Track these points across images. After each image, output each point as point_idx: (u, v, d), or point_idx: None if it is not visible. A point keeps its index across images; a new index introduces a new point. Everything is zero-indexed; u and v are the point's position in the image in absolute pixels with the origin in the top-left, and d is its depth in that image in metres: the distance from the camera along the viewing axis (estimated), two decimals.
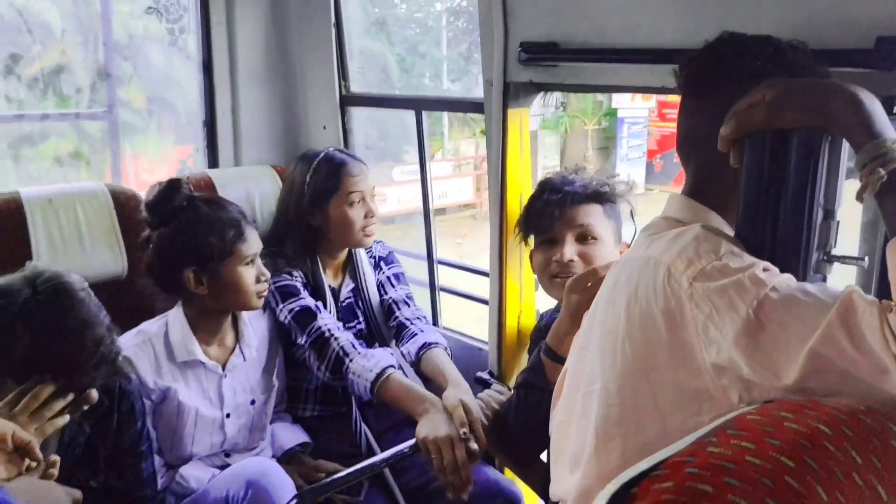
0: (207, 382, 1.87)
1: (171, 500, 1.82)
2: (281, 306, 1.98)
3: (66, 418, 1.39)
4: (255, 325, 1.98)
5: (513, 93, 1.81)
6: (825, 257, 1.03)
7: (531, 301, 2.05)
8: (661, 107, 13.78)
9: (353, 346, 1.91)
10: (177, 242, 1.80)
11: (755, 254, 1.00)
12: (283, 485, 1.64)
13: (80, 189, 2.08)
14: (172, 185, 1.81)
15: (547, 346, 1.60)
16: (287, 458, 1.98)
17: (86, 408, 1.44)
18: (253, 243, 1.84)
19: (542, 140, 14.48)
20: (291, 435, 2.05)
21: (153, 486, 1.72)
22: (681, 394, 1.01)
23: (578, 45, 1.63)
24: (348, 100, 2.42)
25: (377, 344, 2.14)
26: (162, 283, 1.85)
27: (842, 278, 1.08)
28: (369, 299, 2.16)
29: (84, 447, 1.59)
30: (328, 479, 1.61)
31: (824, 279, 1.04)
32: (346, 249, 2.16)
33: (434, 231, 2.30)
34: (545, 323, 1.88)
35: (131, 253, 2.06)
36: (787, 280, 0.94)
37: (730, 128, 1.01)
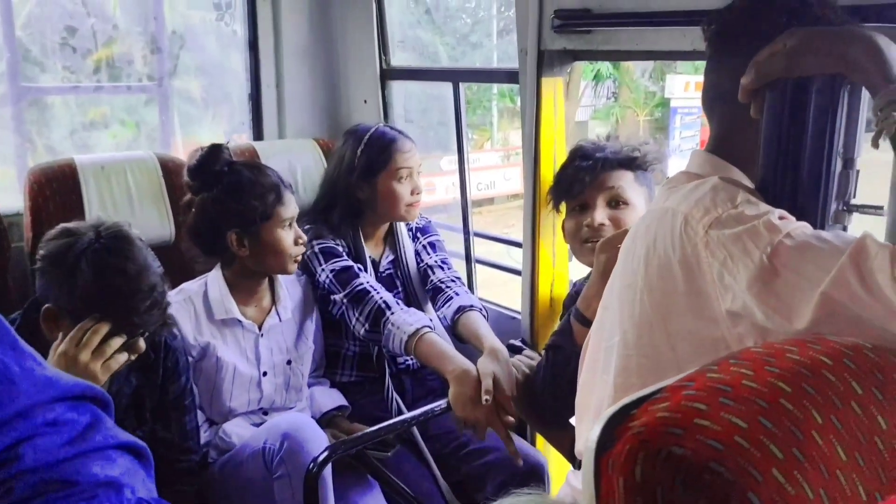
0: (245, 341, 1.94)
1: (214, 454, 1.90)
2: (322, 266, 2.03)
3: (126, 355, 1.48)
4: (291, 290, 2.05)
5: (547, 61, 1.83)
6: (844, 207, 1.03)
7: (564, 271, 2.06)
8: None
9: (397, 302, 1.96)
10: (220, 205, 1.87)
11: (775, 203, 1.01)
12: (317, 438, 1.70)
13: (130, 157, 2.17)
14: (213, 150, 1.88)
15: (576, 309, 1.62)
16: (326, 421, 2.04)
17: (133, 357, 1.53)
18: (291, 206, 1.90)
19: (592, 130, 14.38)
20: (330, 398, 2.11)
21: (196, 438, 1.80)
22: (698, 343, 1.02)
23: (611, 9, 1.64)
24: (388, 73, 2.46)
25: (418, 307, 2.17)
26: (204, 246, 1.93)
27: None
28: (408, 268, 2.21)
29: (130, 398, 1.67)
30: (358, 434, 1.65)
31: (844, 229, 1.04)
32: (388, 223, 2.21)
33: (470, 203, 2.33)
34: (576, 290, 1.90)
35: (178, 219, 2.15)
36: (803, 227, 0.94)
37: (750, 77, 1.02)
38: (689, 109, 13.95)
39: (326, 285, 2.02)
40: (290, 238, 1.89)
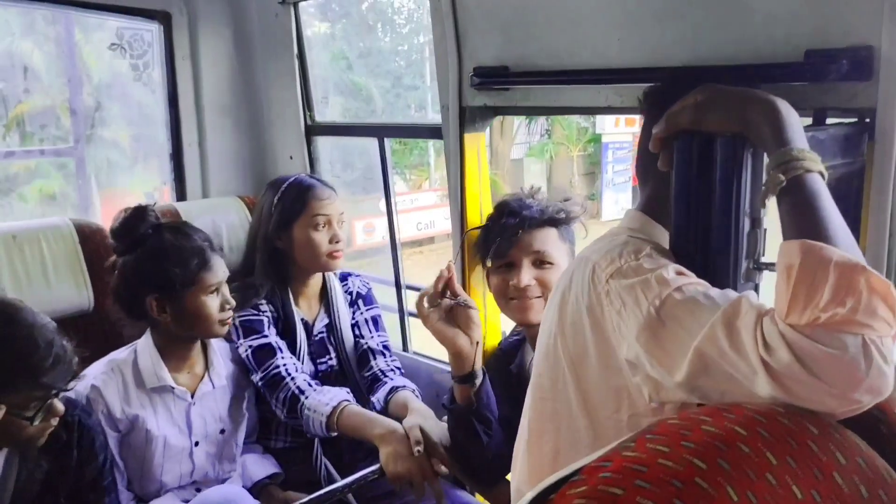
0: (176, 410, 1.86)
1: None
2: (241, 341, 1.99)
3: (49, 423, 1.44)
4: (224, 356, 1.98)
5: (469, 117, 1.84)
6: (755, 265, 1.05)
7: (496, 322, 2.05)
8: None
9: (309, 384, 1.92)
10: (140, 270, 1.80)
11: (688, 262, 1.03)
12: None
13: (44, 224, 2.09)
14: (138, 213, 1.82)
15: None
16: (257, 490, 1.96)
17: (54, 421, 1.46)
18: (218, 271, 1.84)
19: (527, 167, 14.61)
20: (262, 466, 2.03)
21: None
22: (606, 390, 1.05)
23: (528, 67, 1.67)
24: (313, 129, 2.45)
25: (348, 382, 2.12)
26: (127, 309, 1.85)
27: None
28: (342, 338, 2.15)
29: (42, 484, 1.57)
30: None
31: (756, 287, 1.06)
32: (320, 278, 2.15)
33: (401, 256, 2.32)
34: (501, 349, 1.90)
35: (97, 286, 2.07)
36: (696, 284, 0.97)
37: (661, 126, 1.05)
38: (620, 144, 14.34)
39: (245, 361, 1.98)
40: (216, 303, 1.83)
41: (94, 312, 2.08)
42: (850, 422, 0.86)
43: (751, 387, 0.86)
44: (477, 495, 1.99)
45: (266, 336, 1.98)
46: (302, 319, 2.10)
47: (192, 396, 1.89)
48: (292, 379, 1.92)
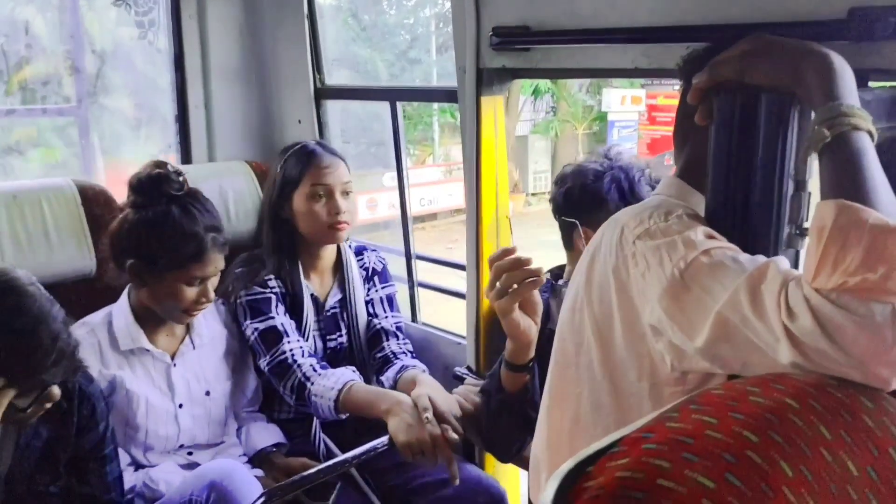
0: (156, 371, 1.83)
1: (140, 503, 1.77)
2: (247, 322, 1.93)
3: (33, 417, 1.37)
4: (208, 317, 1.93)
5: (486, 80, 1.78)
6: (797, 230, 0.99)
7: None
8: (651, 110, 13.80)
9: (315, 369, 1.86)
10: (134, 233, 1.75)
11: (725, 228, 0.98)
12: (249, 485, 1.59)
13: (45, 185, 2.02)
14: (164, 176, 1.76)
15: (503, 358, 1.56)
16: (260, 459, 1.93)
17: (48, 405, 1.40)
18: (208, 267, 1.76)
19: (532, 145, 14.50)
20: (266, 435, 1.99)
21: (119, 489, 1.67)
22: (629, 357, 1.01)
23: (550, 27, 1.59)
24: (323, 93, 2.38)
25: (356, 362, 2.07)
26: (113, 258, 1.81)
27: None
28: (356, 315, 2.08)
29: (41, 451, 1.53)
30: (294, 478, 1.55)
31: (797, 254, 1.00)
32: (334, 251, 2.08)
33: (411, 225, 2.26)
34: None
35: (100, 249, 2.01)
36: (726, 248, 0.92)
37: (703, 77, 1.00)
38: (625, 122, 14.22)
39: (252, 344, 1.94)
40: (192, 294, 1.76)
41: (96, 277, 2.03)
42: None
43: (773, 355, 0.82)
44: (488, 467, 1.96)
45: (272, 318, 1.92)
46: (312, 295, 2.03)
47: (173, 358, 1.84)
48: (299, 366, 1.87)
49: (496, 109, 1.83)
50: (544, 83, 13.36)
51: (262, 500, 1.44)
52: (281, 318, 1.94)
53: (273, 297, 1.95)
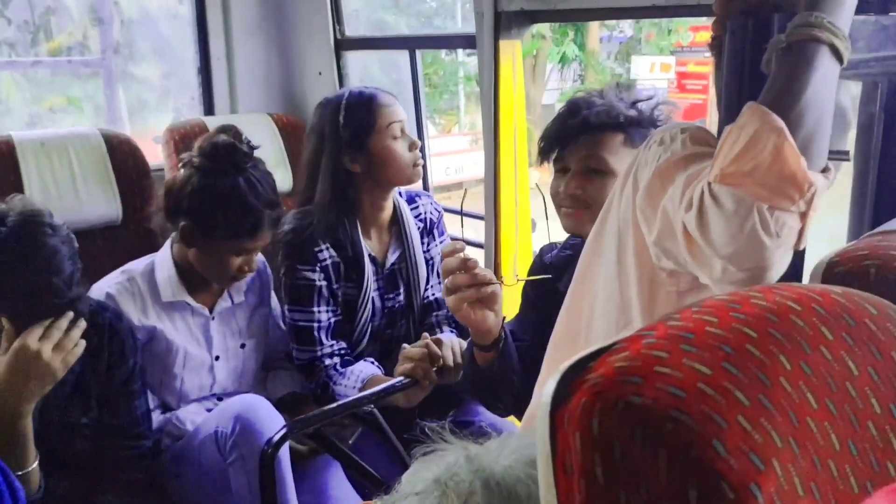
0: (195, 324, 1.87)
1: (168, 441, 1.83)
2: (288, 306, 1.93)
3: (83, 345, 1.47)
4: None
5: (504, 23, 1.77)
6: None
7: (528, 243, 2.01)
8: (681, 78, 13.56)
9: (336, 368, 1.89)
10: (196, 197, 1.74)
11: None
12: (271, 418, 1.64)
13: (72, 133, 2.07)
14: (235, 146, 1.76)
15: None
16: (282, 404, 1.96)
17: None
18: (259, 241, 1.79)
19: None
20: (289, 382, 2.04)
21: (147, 424, 1.73)
22: (638, 262, 1.02)
23: None
24: (343, 44, 2.39)
25: (413, 320, 2.06)
26: (168, 214, 1.82)
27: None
28: (416, 273, 2.02)
29: (73, 385, 1.59)
30: (316, 411, 1.59)
31: None
32: (391, 204, 2.01)
33: (431, 170, 2.26)
34: (548, 263, 1.69)
35: (126, 198, 2.06)
36: (706, 156, 0.93)
37: (717, 3, 1.01)
38: (654, 90, 13.98)
39: (287, 329, 1.97)
40: (238, 263, 1.79)
41: (122, 225, 2.08)
42: None
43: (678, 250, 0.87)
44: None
45: (311, 314, 1.89)
46: (370, 255, 1.97)
47: (211, 312, 1.88)
48: (325, 368, 1.89)
49: (514, 53, 1.82)
50: (571, 50, 13.18)
51: (284, 431, 1.48)
52: (319, 316, 1.90)
53: (318, 282, 1.90)
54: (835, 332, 0.71)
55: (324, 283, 1.90)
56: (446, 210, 2.17)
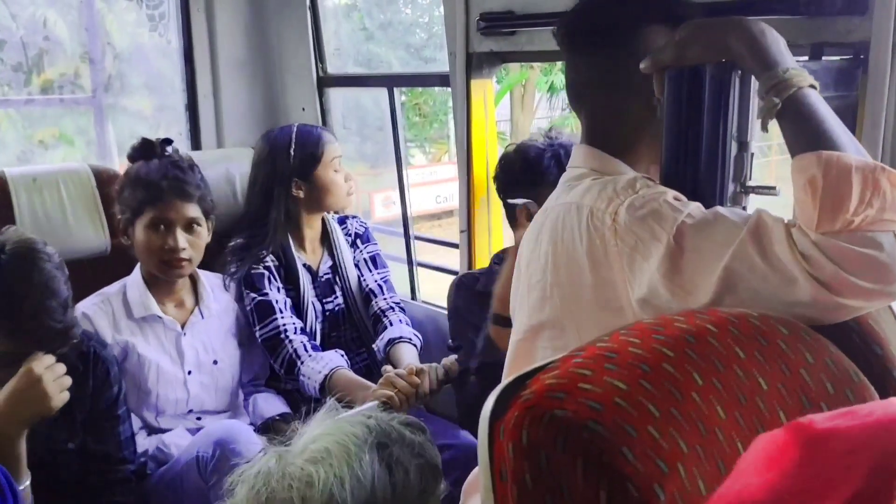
0: (167, 339, 1.95)
1: (153, 466, 1.88)
2: (247, 292, 2.08)
3: (69, 381, 1.52)
4: (216, 292, 2.06)
5: (476, 63, 1.87)
6: (741, 188, 1.06)
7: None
8: None
9: (306, 348, 2.01)
10: (120, 190, 1.96)
11: (678, 188, 1.04)
12: (252, 444, 1.69)
13: (63, 169, 2.15)
14: (148, 143, 1.96)
15: (494, 314, 1.62)
16: (266, 427, 2.02)
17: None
18: (170, 212, 1.89)
19: None
20: (272, 405, 2.10)
21: (131, 448, 1.77)
22: (596, 331, 1.00)
23: (533, 10, 1.68)
24: (325, 81, 2.48)
25: (354, 321, 2.22)
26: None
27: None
28: (347, 278, 2.23)
29: (59, 410, 1.64)
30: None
31: (743, 209, 1.08)
32: (321, 223, 2.23)
33: (410, 207, 2.36)
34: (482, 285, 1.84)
35: (113, 230, 2.12)
36: (698, 207, 0.98)
37: (646, 64, 1.06)
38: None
39: (248, 312, 2.08)
40: (158, 240, 1.89)
41: (110, 255, 2.14)
42: (825, 331, 0.89)
43: (784, 297, 0.88)
44: None
45: (266, 294, 2.07)
46: (304, 264, 2.17)
47: (183, 328, 1.96)
48: (290, 342, 2.01)
49: (486, 92, 1.92)
50: (560, 80, 13.37)
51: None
52: (275, 295, 2.08)
53: (267, 273, 2.09)
54: (747, 351, 0.79)
55: (272, 275, 2.10)
56: (430, 241, 2.29)
